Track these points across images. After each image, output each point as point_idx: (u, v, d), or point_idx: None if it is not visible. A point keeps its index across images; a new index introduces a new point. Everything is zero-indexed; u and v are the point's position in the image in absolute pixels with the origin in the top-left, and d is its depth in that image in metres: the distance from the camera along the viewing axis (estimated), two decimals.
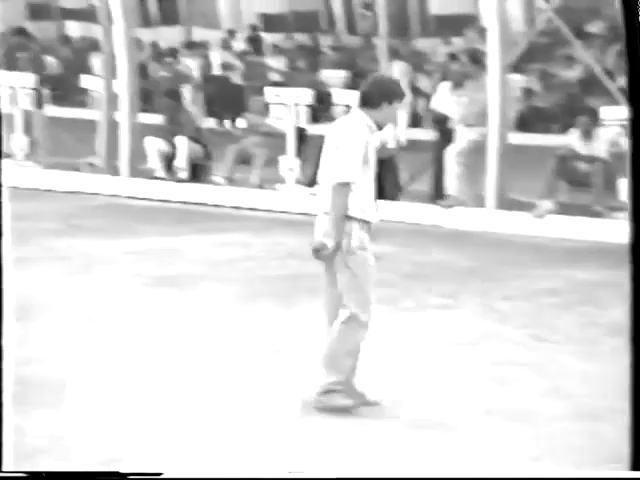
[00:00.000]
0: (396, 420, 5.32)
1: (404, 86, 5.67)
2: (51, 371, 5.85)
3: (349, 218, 5.17)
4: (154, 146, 12.44)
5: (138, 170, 12.60)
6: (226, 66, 17.89)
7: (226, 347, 6.46)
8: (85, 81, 14.04)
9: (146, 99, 14.01)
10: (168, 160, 12.42)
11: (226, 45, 18.82)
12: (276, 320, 7.08)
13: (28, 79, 13.30)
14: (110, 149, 12.85)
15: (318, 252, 5.18)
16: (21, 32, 18.74)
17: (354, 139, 5.20)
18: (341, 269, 5.21)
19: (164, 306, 7.41)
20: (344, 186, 5.13)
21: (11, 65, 15.45)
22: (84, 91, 14.33)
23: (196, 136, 12.47)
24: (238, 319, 7.13)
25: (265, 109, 12.42)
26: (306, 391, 5.37)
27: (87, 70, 15.52)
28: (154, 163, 12.46)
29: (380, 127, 5.36)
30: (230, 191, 11.95)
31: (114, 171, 12.69)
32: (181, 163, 12.31)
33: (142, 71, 14.77)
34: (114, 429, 4.95)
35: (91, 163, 12.91)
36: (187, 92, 15.00)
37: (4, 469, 4.11)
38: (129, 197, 12.13)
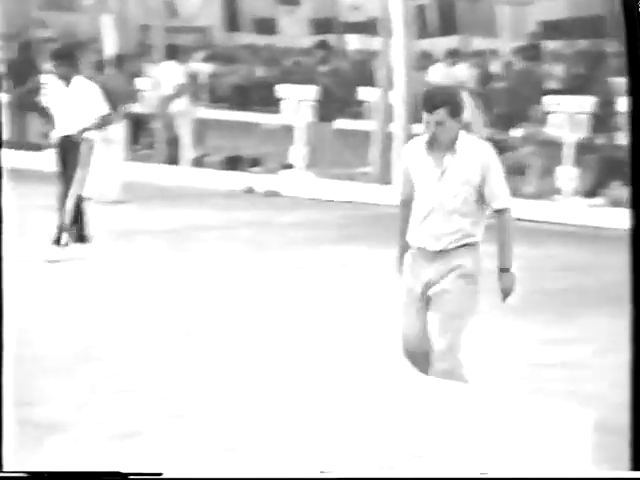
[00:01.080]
0: None
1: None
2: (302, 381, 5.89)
3: None
4: None
5: None
6: (505, 75, 17.59)
7: (486, 361, 6.28)
8: (362, 93, 14.21)
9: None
10: None
11: (509, 54, 18.49)
12: (544, 335, 6.84)
13: (310, 91, 13.61)
14: (384, 159, 12.93)
15: None
16: (323, 45, 19.11)
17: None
18: None
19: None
20: (399, 204, 5.25)
21: (307, 78, 15.72)
22: (359, 103, 14.52)
23: None
24: (496, 333, 6.93)
25: (543, 118, 12.07)
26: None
27: (363, 82, 15.72)
28: None
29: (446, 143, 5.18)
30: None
31: (387, 181, 12.76)
32: None
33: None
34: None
35: (365, 173, 13.04)
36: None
37: (5, 469, 4.10)
38: None
